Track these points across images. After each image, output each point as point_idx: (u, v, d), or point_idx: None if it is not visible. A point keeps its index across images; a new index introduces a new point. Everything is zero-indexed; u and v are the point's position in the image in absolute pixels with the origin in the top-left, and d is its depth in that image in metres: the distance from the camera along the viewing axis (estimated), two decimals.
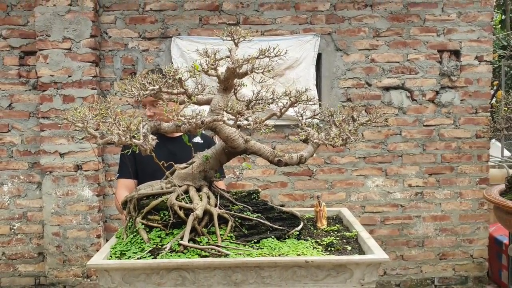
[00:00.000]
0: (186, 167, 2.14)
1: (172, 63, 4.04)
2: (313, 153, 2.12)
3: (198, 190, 2.07)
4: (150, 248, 1.86)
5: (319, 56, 4.13)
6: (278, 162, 2.05)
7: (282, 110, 2.07)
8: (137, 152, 1.72)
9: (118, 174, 2.94)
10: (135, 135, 1.61)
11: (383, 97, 4.19)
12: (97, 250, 3.93)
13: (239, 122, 1.77)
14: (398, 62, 4.18)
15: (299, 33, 4.11)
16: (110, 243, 2.02)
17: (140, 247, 1.89)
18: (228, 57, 2.08)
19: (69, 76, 3.85)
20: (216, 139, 2.87)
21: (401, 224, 4.25)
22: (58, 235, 3.91)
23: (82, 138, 1.76)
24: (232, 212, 2.01)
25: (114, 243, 2.01)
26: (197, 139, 2.76)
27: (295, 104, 2.05)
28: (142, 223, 1.97)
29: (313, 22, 4.13)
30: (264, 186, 4.13)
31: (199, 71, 1.87)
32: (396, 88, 4.20)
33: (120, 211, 3.08)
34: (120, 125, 1.61)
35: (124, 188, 2.86)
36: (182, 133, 2.71)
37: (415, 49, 4.17)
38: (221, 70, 2.04)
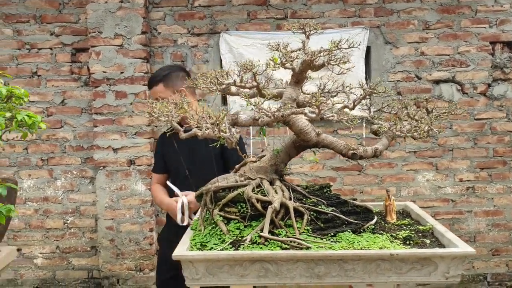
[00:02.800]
0: (257, 161, 2.15)
1: (220, 59, 4.06)
2: (388, 146, 2.10)
3: (270, 183, 2.08)
4: (231, 240, 1.87)
5: (368, 49, 4.09)
6: (352, 155, 2.04)
7: (355, 102, 2.06)
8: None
9: (152, 169, 3.10)
10: (222, 129, 1.62)
11: (433, 91, 4.13)
12: (150, 244, 4.00)
13: (320, 115, 1.76)
14: (449, 55, 4.11)
15: (348, 27, 4.08)
16: (188, 235, 2.04)
17: (219, 238, 1.91)
18: (300, 49, 2.07)
19: (121, 73, 3.90)
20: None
21: (452, 219, 4.19)
22: (111, 229, 3.98)
23: (167, 132, 1.75)
24: (307, 206, 2.01)
25: (192, 234, 2.03)
26: None
27: (369, 96, 2.04)
28: (220, 215, 1.99)
29: (362, 15, 4.10)
30: (312, 181, 4.12)
31: (277, 64, 1.87)
32: (446, 81, 4.13)
33: (156, 203, 3.18)
34: (209, 118, 1.62)
35: (156, 182, 2.95)
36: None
37: (466, 41, 4.09)
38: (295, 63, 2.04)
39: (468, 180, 4.17)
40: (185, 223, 2.58)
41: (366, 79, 4.06)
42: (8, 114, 1.97)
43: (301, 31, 2.08)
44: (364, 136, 4.05)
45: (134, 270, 4.01)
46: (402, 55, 4.11)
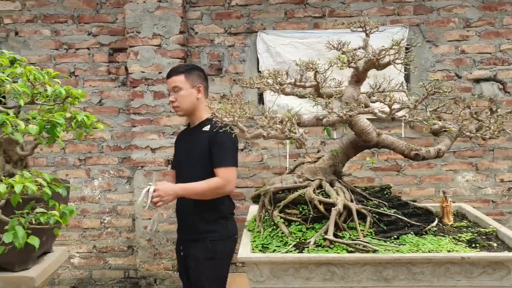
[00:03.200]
0: (315, 162, 2.12)
1: (257, 58, 4.03)
2: (450, 147, 2.06)
3: (330, 184, 2.05)
4: (294, 242, 1.85)
5: (406, 48, 4.02)
6: (415, 156, 2.00)
7: (417, 102, 2.01)
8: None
9: None
10: (292, 129, 1.59)
11: (474, 90, 4.05)
12: None
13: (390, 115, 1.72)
14: (490, 53, 4.02)
15: (386, 25, 4.02)
16: (247, 236, 2.02)
17: (281, 240, 1.88)
18: (360, 48, 2.03)
19: (159, 73, 3.89)
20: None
21: None
22: None
23: (233, 133, 1.71)
24: (369, 208, 1.97)
25: (251, 236, 2.01)
26: (206, 128, 2.74)
27: (433, 95, 1.99)
28: (281, 217, 1.96)
29: (401, 13, 4.03)
30: (350, 182, 4.06)
31: (345, 63, 1.84)
32: (487, 80, 4.05)
33: None
34: (277, 119, 1.59)
35: (171, 176, 2.99)
36: (200, 124, 2.76)
37: (508, 39, 4.00)
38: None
39: (509, 181, 4.08)
40: (145, 208, 2.55)
41: (405, 78, 4.00)
42: (68, 115, 1.97)
43: (360, 30, 2.04)
44: (403, 136, 3.98)
45: (172, 270, 4.01)
46: (442, 53, 4.04)
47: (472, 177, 4.09)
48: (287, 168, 4.08)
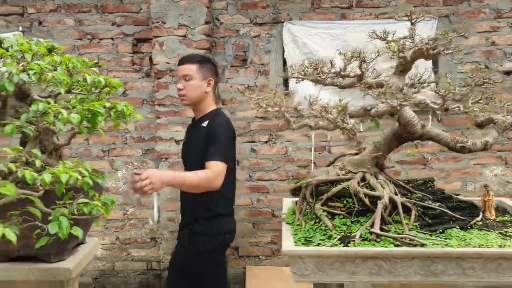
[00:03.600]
0: (357, 153, 2.07)
1: (283, 49, 3.98)
2: (497, 139, 2.00)
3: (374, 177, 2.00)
4: (339, 236, 1.81)
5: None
6: (461, 148, 1.95)
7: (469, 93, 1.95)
8: None
9: None
10: (345, 120, 1.55)
11: (504, 82, 3.96)
12: None
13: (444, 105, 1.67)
14: None
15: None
16: (287, 230, 1.98)
17: (325, 234, 1.84)
18: (406, 37, 1.98)
19: None
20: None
21: None
22: (173, 221, 3.96)
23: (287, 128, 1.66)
24: (414, 201, 1.93)
25: (292, 229, 1.97)
26: (204, 123, 2.70)
27: (481, 86, 1.93)
28: (323, 210, 1.92)
29: (429, 4, 3.95)
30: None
31: (395, 52, 1.78)
32: None
33: None
34: (329, 109, 1.55)
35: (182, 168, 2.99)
36: (201, 118, 2.72)
37: None
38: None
39: None
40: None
41: (434, 70, 3.93)
42: (107, 104, 1.94)
43: (406, 19, 1.98)
44: None
45: None
46: (471, 45, 3.96)
47: (501, 172, 4.02)
48: (312, 161, 4.06)
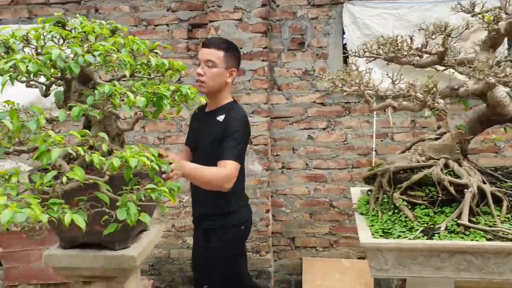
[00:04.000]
0: (437, 138, 1.90)
1: (343, 31, 3.81)
2: None
3: (457, 164, 1.83)
4: (421, 228, 1.66)
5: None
6: None
7: None
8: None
9: None
10: (436, 99, 1.40)
11: None
12: (267, 225, 3.87)
13: None
14: None
15: None
16: (362, 220, 1.84)
17: (405, 225, 1.69)
18: (498, 8, 1.78)
19: (240, 48, 3.72)
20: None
21: None
22: None
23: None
24: (505, 190, 1.75)
25: (368, 220, 1.84)
26: (220, 118, 2.56)
27: None
28: (403, 199, 1.77)
29: None
30: None
31: (490, 23, 1.60)
32: None
33: None
34: (418, 88, 1.40)
35: (184, 152, 2.88)
36: (216, 110, 2.60)
37: None
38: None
39: None
40: None
41: (508, 49, 3.65)
42: (172, 87, 1.86)
43: None
44: None
45: (251, 251, 3.91)
46: None
47: None
48: (373, 149, 3.88)
